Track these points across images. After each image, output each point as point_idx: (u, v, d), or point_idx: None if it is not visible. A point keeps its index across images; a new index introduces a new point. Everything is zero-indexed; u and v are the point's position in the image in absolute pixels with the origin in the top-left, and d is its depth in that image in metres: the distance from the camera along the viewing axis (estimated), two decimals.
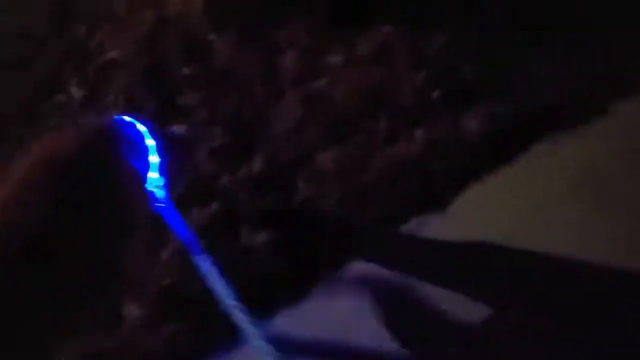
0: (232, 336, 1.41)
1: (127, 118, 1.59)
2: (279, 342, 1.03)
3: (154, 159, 1.56)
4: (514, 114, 1.33)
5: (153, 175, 1.55)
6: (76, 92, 2.22)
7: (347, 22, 1.53)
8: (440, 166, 1.30)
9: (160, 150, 1.59)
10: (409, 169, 1.32)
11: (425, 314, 1.36)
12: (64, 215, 1.15)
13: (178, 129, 1.88)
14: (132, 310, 1.71)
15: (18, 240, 1.05)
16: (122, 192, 1.41)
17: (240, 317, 1.20)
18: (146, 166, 1.57)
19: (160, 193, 1.61)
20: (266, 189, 1.61)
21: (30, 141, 1.32)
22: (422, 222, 1.30)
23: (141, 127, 1.56)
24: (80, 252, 1.17)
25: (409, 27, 1.50)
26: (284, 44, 1.51)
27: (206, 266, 1.36)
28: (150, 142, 1.55)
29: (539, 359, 1.17)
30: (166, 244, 1.85)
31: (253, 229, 1.75)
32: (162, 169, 1.62)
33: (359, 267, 1.36)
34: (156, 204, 1.61)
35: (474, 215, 1.29)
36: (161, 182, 1.61)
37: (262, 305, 1.46)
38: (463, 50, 1.39)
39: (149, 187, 1.59)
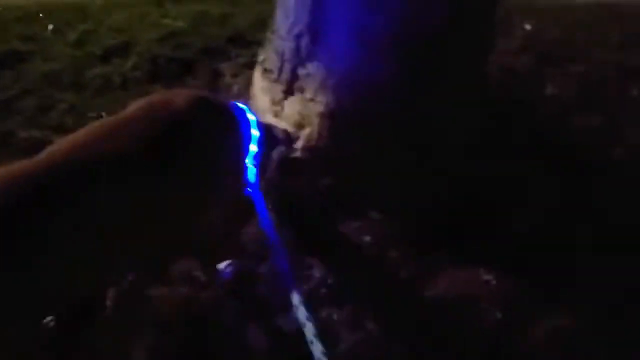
0: None
1: (242, 105, 1.76)
2: None
3: (253, 147, 1.73)
4: None
5: (248, 162, 1.74)
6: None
7: None
8: None
9: (260, 142, 1.75)
10: None
11: None
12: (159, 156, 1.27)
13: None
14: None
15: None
16: (218, 160, 1.52)
17: (297, 299, 1.29)
18: (245, 152, 1.72)
19: (252, 177, 1.69)
20: None
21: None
22: None
23: (251, 117, 1.74)
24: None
25: None
26: None
27: (279, 248, 1.45)
28: (254, 132, 1.73)
29: None
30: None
31: None
32: (257, 158, 1.76)
33: None
34: (247, 187, 1.75)
35: None
36: (254, 169, 1.69)
37: None
38: None
39: (244, 170, 1.74)
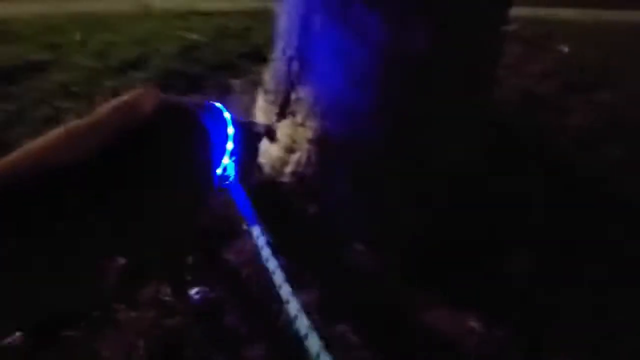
0: None
1: (217, 104, 1.75)
2: None
3: (229, 145, 1.72)
4: None
5: (225, 160, 1.72)
6: None
7: None
8: None
9: (237, 138, 1.74)
10: None
11: None
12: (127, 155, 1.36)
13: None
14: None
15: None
16: (186, 159, 1.56)
17: (285, 290, 1.24)
18: (222, 150, 1.72)
19: (231, 172, 1.75)
20: None
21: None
22: None
23: (227, 115, 1.73)
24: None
25: None
26: None
27: (261, 241, 1.42)
28: (230, 130, 1.72)
29: None
30: None
31: None
32: (235, 155, 1.75)
33: None
34: (225, 181, 1.75)
35: None
36: (232, 166, 1.75)
37: None
38: None
39: (220, 167, 1.73)
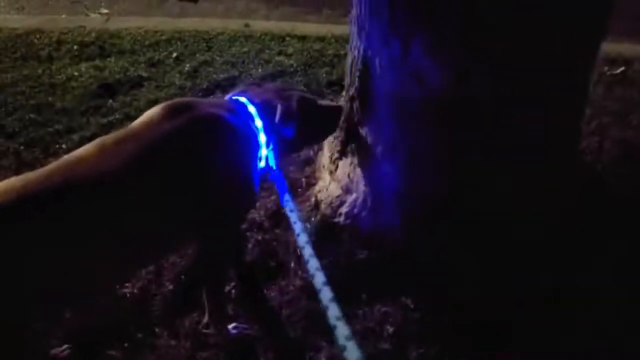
0: None
1: (241, 98, 1.76)
2: None
3: (262, 137, 1.73)
4: None
5: (263, 151, 1.74)
6: None
7: None
8: None
9: (267, 129, 1.72)
10: None
11: None
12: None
13: None
14: None
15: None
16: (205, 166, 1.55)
17: (320, 280, 1.22)
18: (256, 144, 1.72)
19: (272, 162, 1.76)
20: None
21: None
22: None
23: (251, 109, 1.73)
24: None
25: None
26: None
27: (298, 227, 1.41)
28: (258, 122, 1.72)
29: None
30: None
31: None
32: (270, 143, 1.75)
33: None
34: (265, 168, 1.77)
35: None
36: (271, 154, 1.76)
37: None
38: None
39: (259, 160, 1.74)
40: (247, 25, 4.36)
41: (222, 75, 3.46)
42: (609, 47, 3.67)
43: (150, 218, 1.46)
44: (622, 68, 3.41)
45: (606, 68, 3.45)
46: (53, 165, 1.41)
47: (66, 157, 1.45)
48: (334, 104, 2.14)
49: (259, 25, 4.40)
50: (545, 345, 1.80)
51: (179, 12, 5.03)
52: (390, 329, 1.87)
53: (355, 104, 2.02)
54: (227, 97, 1.84)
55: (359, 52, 1.92)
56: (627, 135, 2.74)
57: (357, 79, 1.95)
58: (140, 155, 1.44)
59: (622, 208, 2.26)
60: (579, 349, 1.77)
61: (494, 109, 1.77)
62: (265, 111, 1.75)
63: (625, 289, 1.95)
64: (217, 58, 3.74)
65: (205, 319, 1.89)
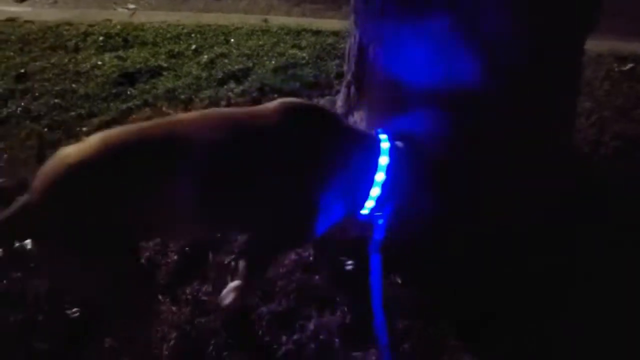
0: None
1: (382, 134, 1.68)
2: None
3: (380, 176, 1.64)
4: None
5: (375, 191, 1.65)
6: None
7: None
8: None
9: (390, 170, 1.63)
10: None
11: None
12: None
13: None
14: None
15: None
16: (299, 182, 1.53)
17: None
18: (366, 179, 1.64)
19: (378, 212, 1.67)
20: None
21: None
22: None
23: (384, 145, 1.65)
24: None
25: None
26: None
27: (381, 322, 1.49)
28: (384, 160, 1.63)
29: None
30: None
31: None
32: (387, 188, 1.66)
33: None
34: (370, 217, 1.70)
35: None
36: (381, 200, 1.66)
37: None
38: None
39: (365, 204, 1.67)
40: (265, 21, 4.49)
41: (236, 67, 3.60)
42: (620, 46, 3.70)
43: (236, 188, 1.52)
44: (631, 65, 3.43)
45: (615, 65, 3.48)
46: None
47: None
48: None
49: (278, 20, 4.53)
50: (529, 326, 1.87)
51: (202, 7, 5.19)
52: None
53: (352, 90, 2.12)
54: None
55: (354, 38, 2.02)
56: (627, 129, 2.78)
57: (353, 65, 2.05)
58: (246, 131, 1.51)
59: (615, 198, 2.32)
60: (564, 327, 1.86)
61: (484, 95, 1.85)
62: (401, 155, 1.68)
63: (615, 274, 2.02)
64: (234, 50, 3.87)
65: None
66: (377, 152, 1.64)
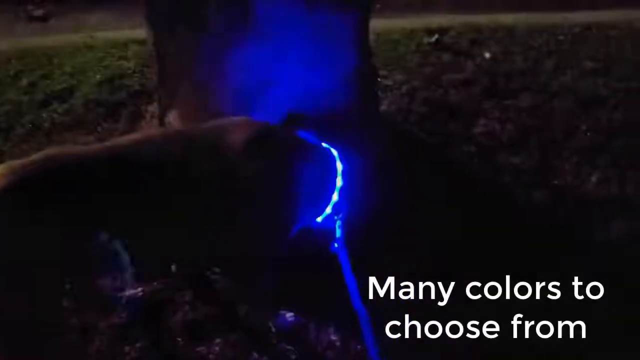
0: None
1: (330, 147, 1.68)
2: None
3: (339, 181, 1.65)
4: None
5: (334, 197, 1.65)
6: None
7: None
8: None
9: (346, 175, 1.65)
10: None
11: None
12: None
13: None
14: None
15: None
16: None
17: None
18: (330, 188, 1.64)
19: (337, 230, 1.64)
20: None
21: None
22: None
23: (334, 151, 1.67)
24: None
25: None
26: None
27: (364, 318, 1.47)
28: (339, 165, 1.65)
29: None
30: None
31: None
32: (345, 194, 1.67)
33: None
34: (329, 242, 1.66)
35: None
36: (339, 209, 1.65)
37: None
38: None
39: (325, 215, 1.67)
40: (91, 37, 4.35)
41: (59, 87, 3.46)
42: (429, 20, 4.06)
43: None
44: (436, 36, 3.75)
45: (425, 39, 3.79)
46: None
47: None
48: None
49: (101, 35, 4.40)
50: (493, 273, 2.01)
51: (28, 32, 4.90)
52: None
53: (161, 93, 2.17)
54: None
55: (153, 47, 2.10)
56: (435, 94, 3.05)
57: (157, 70, 2.10)
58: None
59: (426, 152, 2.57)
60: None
61: None
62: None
63: None
64: (56, 71, 3.72)
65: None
66: (333, 160, 1.68)
